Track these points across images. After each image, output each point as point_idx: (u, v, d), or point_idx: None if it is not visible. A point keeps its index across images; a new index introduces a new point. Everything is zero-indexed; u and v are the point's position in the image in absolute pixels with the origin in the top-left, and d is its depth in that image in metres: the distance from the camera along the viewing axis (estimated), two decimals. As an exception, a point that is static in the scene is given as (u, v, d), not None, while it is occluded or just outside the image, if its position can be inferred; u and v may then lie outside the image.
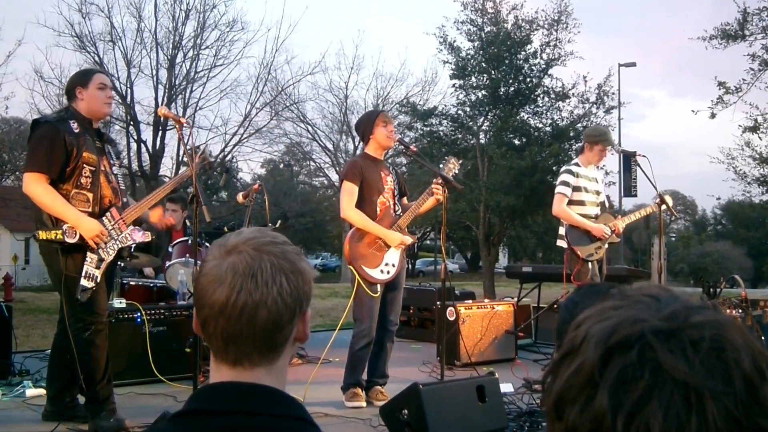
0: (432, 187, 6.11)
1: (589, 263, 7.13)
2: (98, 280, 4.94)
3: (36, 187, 4.80)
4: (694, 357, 0.86)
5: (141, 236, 5.22)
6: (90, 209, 4.93)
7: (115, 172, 5.20)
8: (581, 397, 0.89)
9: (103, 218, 4.99)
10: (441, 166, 6.43)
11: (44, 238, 4.86)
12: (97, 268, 4.94)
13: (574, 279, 7.04)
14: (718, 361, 0.86)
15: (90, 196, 4.93)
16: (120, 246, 5.09)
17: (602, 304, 0.97)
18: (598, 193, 7.41)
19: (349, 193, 6.04)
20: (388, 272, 6.03)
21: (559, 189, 7.24)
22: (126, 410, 5.37)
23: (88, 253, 4.92)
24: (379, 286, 5.99)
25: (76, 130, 4.94)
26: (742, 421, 0.83)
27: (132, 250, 5.33)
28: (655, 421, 0.83)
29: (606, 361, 0.88)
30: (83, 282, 4.89)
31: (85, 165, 4.90)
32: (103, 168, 5.04)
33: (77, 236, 4.85)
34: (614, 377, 0.87)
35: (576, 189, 7.19)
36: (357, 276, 5.97)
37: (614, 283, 2.26)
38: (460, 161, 6.59)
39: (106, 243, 4.98)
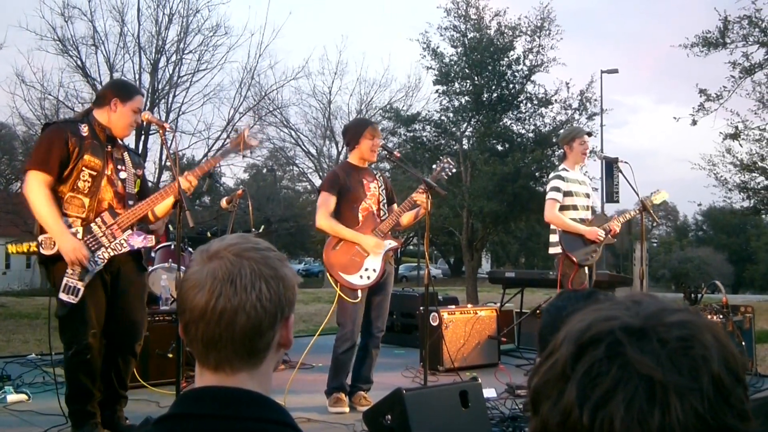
0: (413, 196, 6.11)
1: (585, 268, 7.09)
2: (80, 294, 4.66)
3: (34, 187, 4.63)
4: (661, 352, 0.88)
5: (141, 241, 4.96)
6: (84, 215, 4.74)
7: (122, 177, 4.97)
8: (554, 391, 0.92)
9: (92, 225, 4.78)
10: (434, 166, 6.43)
11: (15, 251, 4.75)
12: (80, 280, 4.66)
13: (571, 285, 6.95)
14: (686, 359, 0.88)
15: (86, 201, 4.74)
16: (113, 254, 4.82)
17: (588, 308, 0.99)
18: (587, 195, 7.39)
19: (324, 203, 6.07)
20: (368, 277, 6.03)
21: (550, 195, 7.20)
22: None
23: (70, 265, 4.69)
24: (360, 291, 6.00)
25: (84, 133, 4.81)
26: (708, 419, 0.85)
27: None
28: (618, 413, 0.85)
29: (578, 357, 0.91)
30: (62, 296, 4.64)
31: (84, 168, 4.73)
32: (107, 173, 4.86)
33: (55, 248, 4.63)
34: (583, 372, 0.89)
35: (567, 194, 7.14)
36: (334, 283, 6.01)
37: (596, 289, 2.29)
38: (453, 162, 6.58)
39: (93, 252, 4.73)
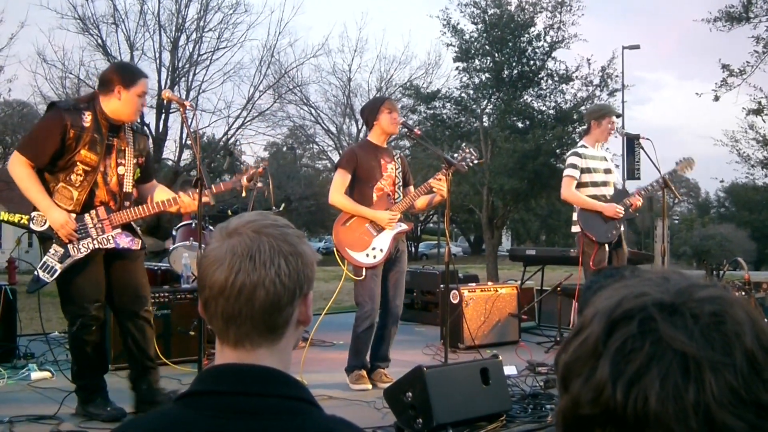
0: (431, 182, 6.09)
1: (606, 246, 6.96)
2: (56, 275, 4.74)
3: (18, 168, 4.71)
4: (694, 328, 0.87)
5: (128, 242, 4.96)
6: (71, 207, 4.76)
7: (120, 173, 4.94)
8: (585, 368, 0.91)
9: (85, 215, 4.81)
10: (456, 154, 6.38)
11: (5, 219, 4.81)
12: (60, 262, 4.75)
13: (593, 265, 6.87)
14: (718, 334, 0.88)
15: (75, 194, 4.76)
16: (98, 246, 4.83)
17: (615, 284, 0.98)
18: (608, 171, 7.25)
19: (338, 180, 6.11)
20: (374, 257, 6.03)
21: (566, 172, 7.10)
22: (131, 393, 5.39)
23: (54, 245, 4.76)
24: (365, 270, 6.01)
25: (86, 125, 4.75)
26: (742, 394, 0.84)
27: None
28: (653, 389, 0.85)
29: (610, 333, 0.91)
30: (38, 272, 4.73)
31: (79, 163, 4.74)
32: (102, 169, 4.85)
33: (45, 226, 4.74)
34: (616, 348, 0.89)
35: (585, 171, 7.03)
36: (339, 259, 6.06)
37: (634, 266, 2.27)
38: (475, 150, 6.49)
39: (79, 239, 4.79)
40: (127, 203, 5.00)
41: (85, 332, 4.83)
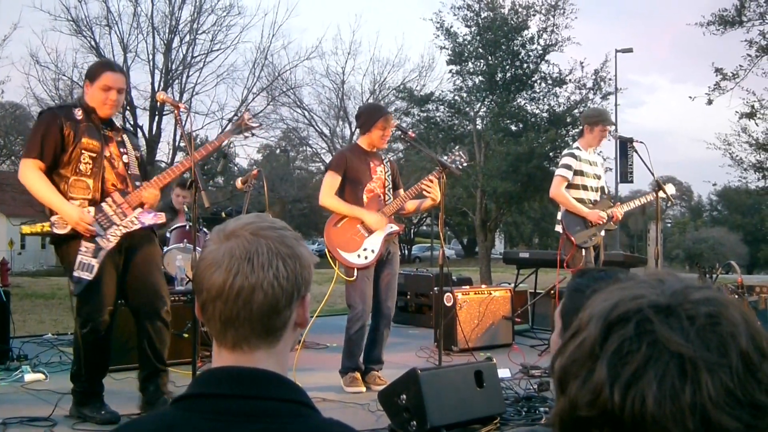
0: (421, 185, 6.10)
1: (583, 250, 7.05)
2: (94, 271, 4.71)
3: (27, 172, 4.72)
4: (690, 329, 0.88)
5: (152, 218, 4.99)
6: (90, 196, 4.77)
7: (125, 161, 4.98)
8: (582, 370, 0.92)
9: (103, 204, 4.81)
10: (445, 157, 6.40)
11: (28, 232, 4.79)
12: (94, 257, 4.72)
13: (567, 265, 7.01)
14: (714, 335, 0.88)
15: (90, 182, 4.77)
16: (125, 230, 4.85)
17: (610, 287, 0.99)
18: (598, 177, 7.33)
19: (329, 182, 6.14)
20: (366, 258, 6.04)
21: (559, 171, 7.16)
22: (124, 395, 5.38)
23: (83, 242, 4.72)
24: (356, 270, 6.02)
25: (78, 117, 4.84)
26: (737, 394, 0.85)
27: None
28: (650, 391, 0.85)
29: (606, 336, 0.92)
30: (77, 273, 4.69)
31: (84, 151, 4.76)
32: (107, 154, 4.87)
33: (68, 227, 4.70)
34: (613, 350, 0.90)
35: (578, 173, 7.10)
36: (331, 260, 6.08)
37: (618, 268, 2.25)
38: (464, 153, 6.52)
39: (105, 230, 4.78)
40: (138, 184, 5.02)
41: (94, 336, 4.80)
